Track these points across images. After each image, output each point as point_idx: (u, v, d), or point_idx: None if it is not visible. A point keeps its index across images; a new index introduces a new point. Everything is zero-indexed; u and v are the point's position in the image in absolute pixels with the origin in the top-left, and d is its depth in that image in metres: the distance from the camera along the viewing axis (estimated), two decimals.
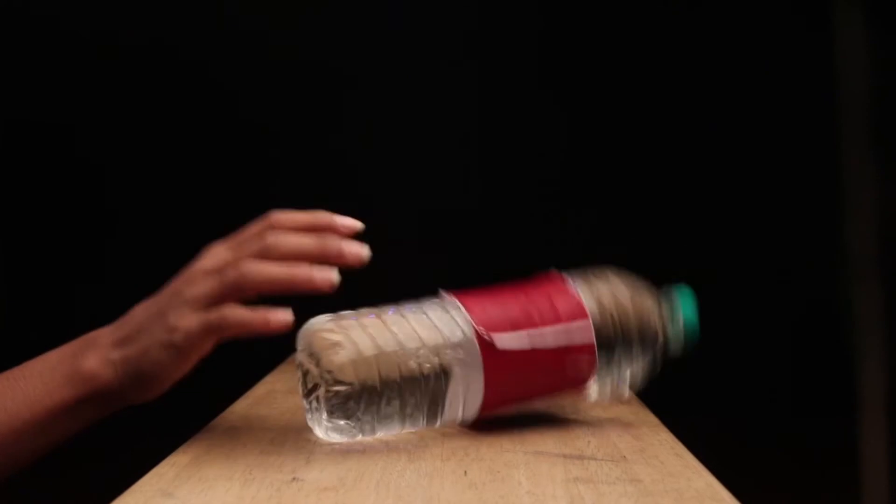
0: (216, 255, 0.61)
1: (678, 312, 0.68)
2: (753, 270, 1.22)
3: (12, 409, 0.59)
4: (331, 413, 0.57)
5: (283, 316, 0.57)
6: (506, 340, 0.61)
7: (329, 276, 0.58)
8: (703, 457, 0.58)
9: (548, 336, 0.62)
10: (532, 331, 0.62)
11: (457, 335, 0.61)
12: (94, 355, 0.60)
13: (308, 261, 0.59)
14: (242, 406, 0.76)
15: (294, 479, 0.52)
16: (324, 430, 0.59)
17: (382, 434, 0.60)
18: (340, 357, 0.57)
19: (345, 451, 0.58)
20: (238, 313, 0.58)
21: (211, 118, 1.23)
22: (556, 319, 0.63)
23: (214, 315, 0.58)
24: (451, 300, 0.63)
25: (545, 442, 0.61)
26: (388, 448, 0.59)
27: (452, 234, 1.24)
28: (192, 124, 1.23)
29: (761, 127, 1.23)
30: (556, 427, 0.66)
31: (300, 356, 0.60)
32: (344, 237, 0.61)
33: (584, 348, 0.64)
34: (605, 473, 0.54)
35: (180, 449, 0.59)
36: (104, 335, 0.61)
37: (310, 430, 0.62)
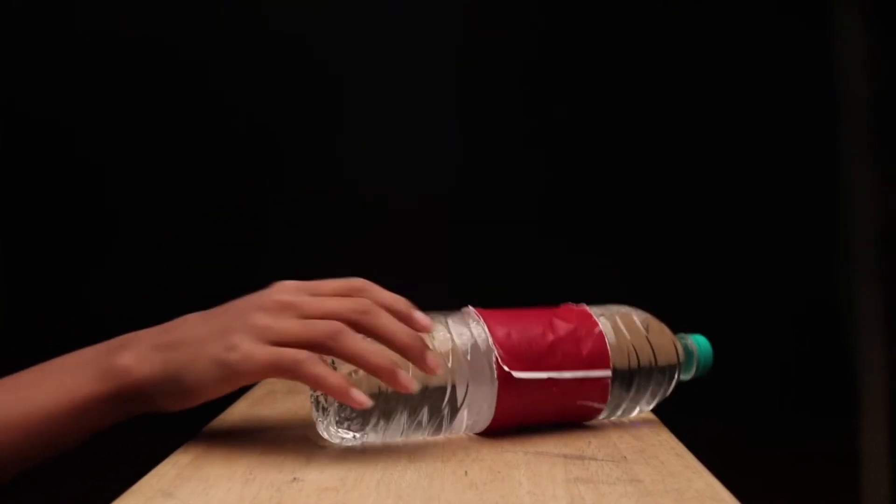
0: (292, 291, 0.58)
1: (693, 353, 0.69)
2: (753, 270, 1.22)
3: (40, 400, 0.58)
4: (339, 424, 0.57)
5: (364, 399, 0.54)
6: (525, 377, 0.61)
7: (412, 383, 0.56)
8: (704, 457, 0.58)
9: (567, 378, 0.62)
10: (553, 373, 0.62)
11: (476, 355, 0.60)
12: (132, 353, 0.58)
13: (390, 346, 0.56)
14: (242, 406, 0.76)
15: (294, 479, 0.52)
16: (327, 432, 0.59)
17: (384, 440, 0.60)
18: (358, 373, 0.56)
19: (345, 452, 0.58)
20: (318, 368, 0.55)
21: (210, 117, 1.23)
22: (579, 365, 0.63)
23: (289, 356, 0.55)
24: (476, 319, 0.62)
25: (545, 442, 0.61)
26: (389, 448, 0.59)
27: (456, 244, 1.24)
28: (191, 123, 1.23)
29: (761, 127, 1.23)
30: (556, 427, 0.66)
31: None
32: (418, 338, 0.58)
33: (599, 396, 0.64)
34: (606, 474, 0.54)
35: (181, 449, 0.59)
36: (146, 336, 0.59)
37: (310, 430, 0.62)
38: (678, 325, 1.15)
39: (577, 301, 0.68)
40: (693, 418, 0.74)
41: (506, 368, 0.60)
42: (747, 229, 1.23)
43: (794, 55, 1.22)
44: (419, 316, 0.59)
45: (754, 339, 1.21)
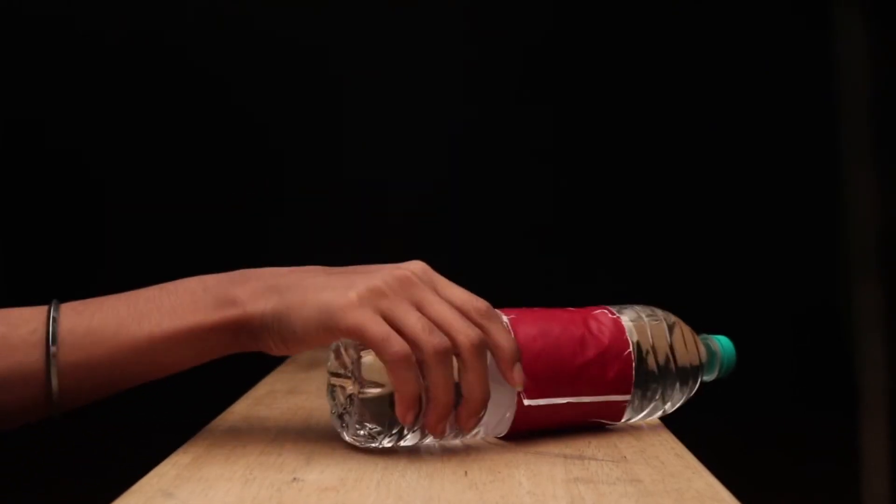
0: (423, 279, 0.58)
1: (716, 354, 0.69)
2: (754, 271, 1.22)
3: (156, 320, 0.58)
4: (355, 437, 0.57)
5: (410, 417, 0.55)
6: (544, 403, 0.60)
7: (442, 434, 0.56)
8: (704, 457, 0.58)
9: (585, 402, 0.61)
10: (572, 398, 0.61)
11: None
12: (249, 287, 0.58)
13: (463, 387, 0.56)
14: (242, 406, 0.76)
15: (294, 479, 0.52)
16: (339, 427, 0.59)
17: (395, 446, 0.59)
18: (378, 396, 0.56)
19: (345, 452, 0.58)
20: (409, 374, 0.54)
21: (211, 117, 1.23)
22: (601, 390, 0.62)
23: (396, 347, 0.54)
24: (507, 328, 0.60)
25: (545, 442, 0.61)
26: (389, 448, 0.59)
27: (459, 244, 1.23)
28: (193, 123, 1.23)
29: (761, 127, 1.23)
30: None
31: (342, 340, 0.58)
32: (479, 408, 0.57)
33: (614, 415, 0.64)
34: (606, 474, 0.54)
35: (181, 449, 0.59)
36: (269, 274, 0.59)
37: (310, 430, 0.62)
38: None
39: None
40: (693, 418, 0.74)
41: (526, 402, 0.59)
42: (747, 230, 1.23)
43: (794, 55, 1.22)
44: (517, 371, 0.57)
45: (755, 339, 1.21)
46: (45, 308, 0.60)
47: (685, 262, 1.21)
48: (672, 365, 0.65)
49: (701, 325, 1.25)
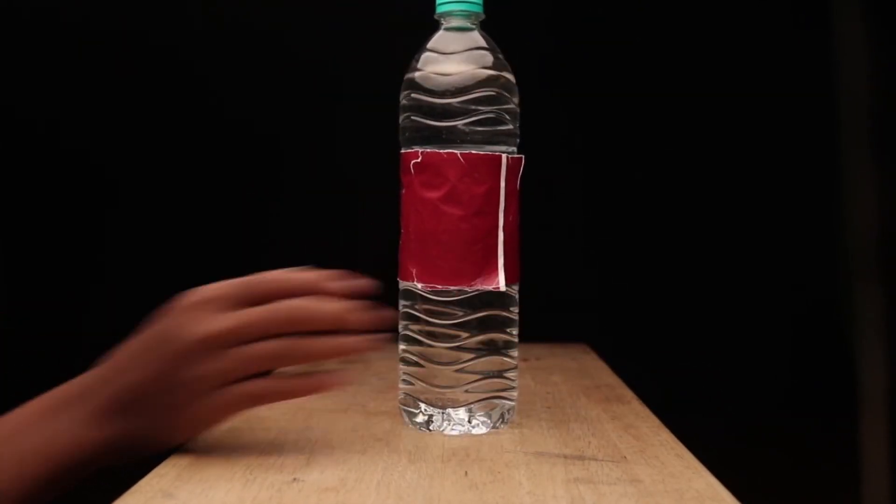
0: (205, 319, 0.55)
1: None
2: (754, 270, 1.22)
3: (31, 463, 0.55)
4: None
5: (342, 378, 0.57)
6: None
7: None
8: (703, 457, 0.59)
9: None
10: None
11: None
12: (103, 424, 0.55)
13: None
14: None
15: (294, 479, 0.52)
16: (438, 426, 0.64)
17: None
18: None
19: (345, 452, 0.58)
20: (277, 385, 0.57)
21: (209, 117, 1.23)
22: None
23: (248, 396, 0.56)
24: None
25: (546, 442, 0.62)
26: (389, 449, 0.59)
27: None
28: (190, 122, 1.23)
29: (761, 127, 1.23)
30: (556, 427, 0.66)
31: None
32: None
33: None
34: (606, 474, 0.54)
35: (181, 449, 0.59)
36: (92, 397, 0.56)
37: (310, 430, 0.62)
38: (678, 324, 1.16)
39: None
40: (693, 418, 0.74)
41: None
42: (747, 229, 1.23)
43: (794, 55, 1.22)
44: (335, 283, 0.57)
45: (754, 339, 1.21)
46: None
47: (685, 261, 1.21)
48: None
49: (701, 325, 1.25)
